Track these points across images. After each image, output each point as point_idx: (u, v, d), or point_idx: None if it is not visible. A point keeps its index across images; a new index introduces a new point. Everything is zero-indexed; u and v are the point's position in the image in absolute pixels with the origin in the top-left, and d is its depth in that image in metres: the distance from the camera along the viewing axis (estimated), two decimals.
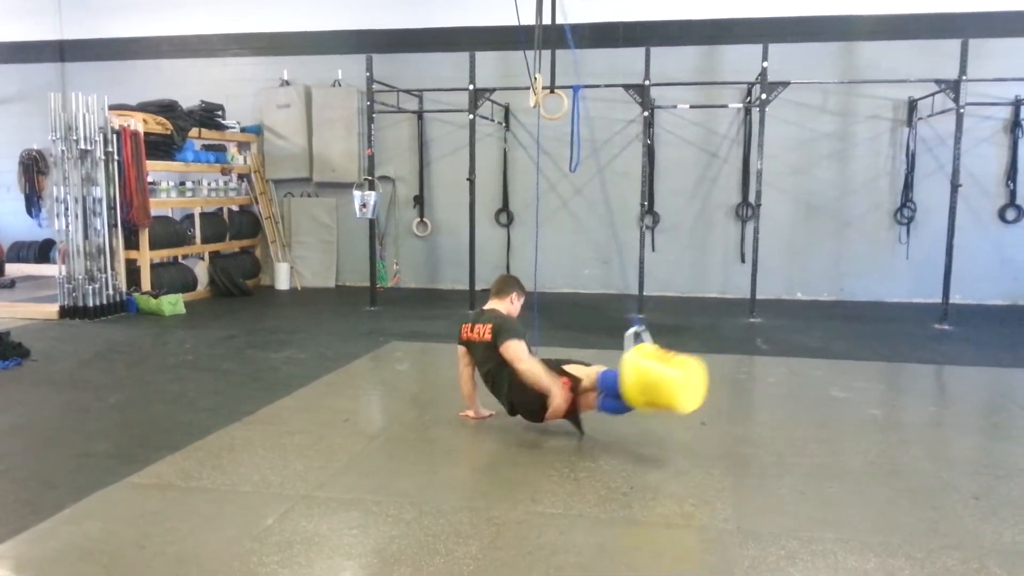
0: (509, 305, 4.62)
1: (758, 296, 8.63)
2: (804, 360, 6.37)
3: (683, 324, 8.09)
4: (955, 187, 7.87)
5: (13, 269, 11.11)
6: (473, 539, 3.11)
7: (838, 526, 3.25)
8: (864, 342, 7.19)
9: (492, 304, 4.62)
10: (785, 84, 8.13)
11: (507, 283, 4.74)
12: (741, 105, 9.40)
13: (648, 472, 3.84)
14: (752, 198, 8.75)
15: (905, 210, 9.40)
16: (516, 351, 4.27)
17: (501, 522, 3.26)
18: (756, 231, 8.43)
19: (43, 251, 11.27)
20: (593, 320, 8.36)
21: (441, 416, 4.78)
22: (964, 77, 7.67)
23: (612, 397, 4.08)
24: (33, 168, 11.36)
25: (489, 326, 4.39)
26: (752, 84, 8.84)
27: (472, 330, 4.50)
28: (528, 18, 7.59)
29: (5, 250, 11.63)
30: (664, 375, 3.86)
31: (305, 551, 3.00)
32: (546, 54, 7.34)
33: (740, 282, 9.14)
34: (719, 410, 4.93)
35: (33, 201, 11.49)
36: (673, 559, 2.95)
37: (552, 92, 6.29)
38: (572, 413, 4.29)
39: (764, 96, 8.11)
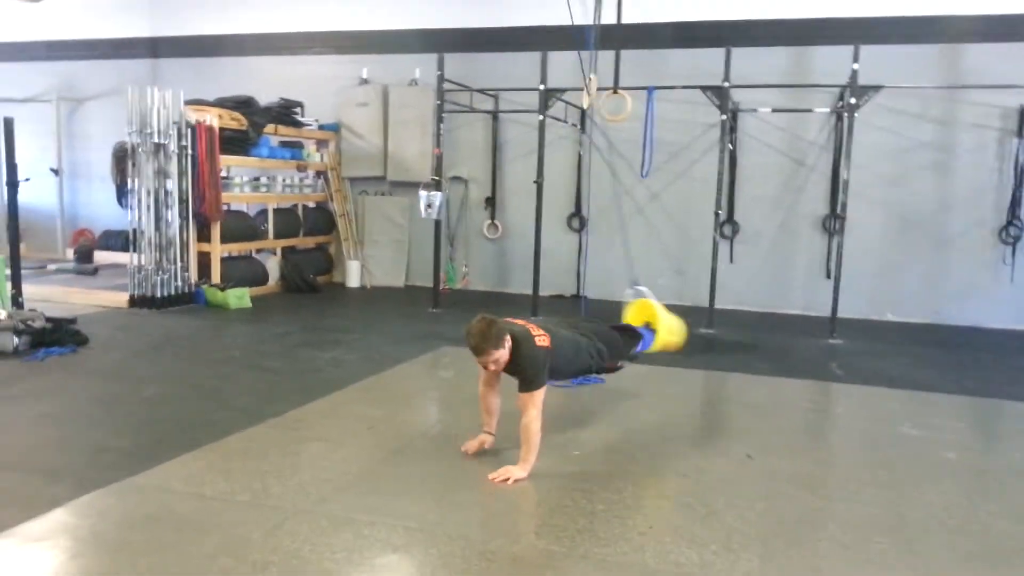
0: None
1: (845, 315, 8.08)
2: (879, 390, 5.81)
3: (753, 341, 7.59)
4: None
5: (102, 256, 11.51)
6: (461, 574, 2.85)
7: None
8: (953, 372, 6.54)
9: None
10: (877, 88, 7.53)
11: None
12: (828, 110, 8.79)
13: (675, 510, 3.49)
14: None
15: (1011, 228, 8.58)
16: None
17: (494, 557, 2.99)
18: (840, 245, 7.87)
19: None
20: None
21: (472, 429, 4.52)
22: None
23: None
24: (125, 160, 11.71)
25: None
26: (843, 88, 8.23)
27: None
28: (606, 18, 7.32)
29: (96, 238, 12.09)
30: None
31: (278, 574, 2.81)
32: (611, 53, 7.04)
33: (824, 299, 8.49)
34: (770, 442, 4.51)
35: (123, 192, 11.84)
36: None
37: (615, 92, 5.95)
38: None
39: (854, 100, 7.54)
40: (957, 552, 3.18)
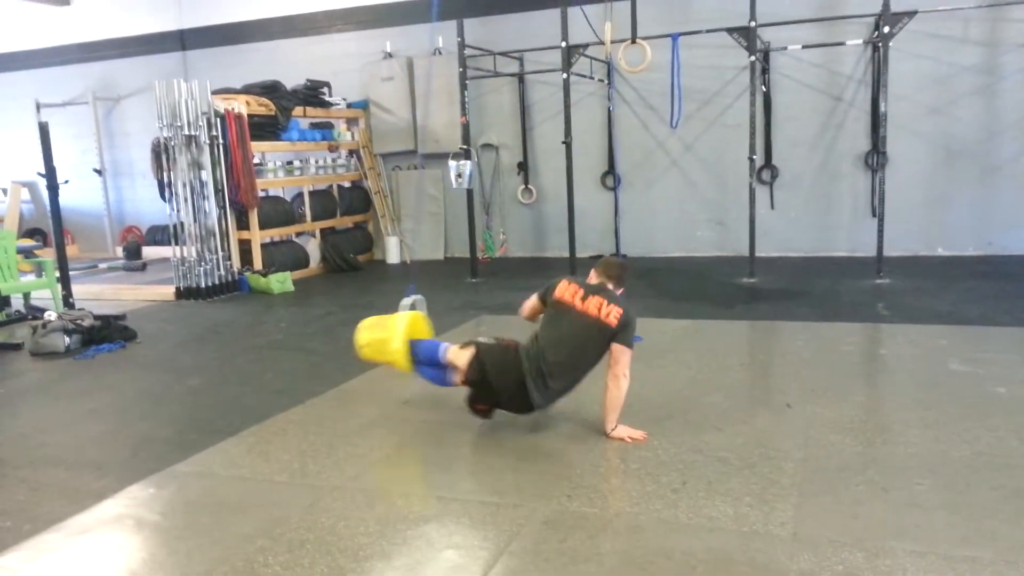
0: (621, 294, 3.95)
1: (893, 254, 7.88)
2: (927, 327, 5.64)
3: (797, 287, 7.42)
4: None
5: (151, 252, 11.78)
6: (490, 541, 2.87)
7: (919, 534, 2.76)
8: (1006, 304, 6.31)
9: (610, 284, 3.90)
10: (911, 14, 7.21)
11: (625, 270, 4.06)
12: (860, 41, 8.44)
13: (709, 464, 3.44)
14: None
15: None
16: (627, 359, 3.76)
17: (526, 522, 2.99)
18: (882, 181, 7.64)
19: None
20: (700, 287, 7.84)
21: None
22: None
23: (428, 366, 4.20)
24: (163, 155, 11.90)
25: (618, 311, 3.71)
26: (876, 17, 7.89)
27: (583, 300, 3.78)
28: None
29: (144, 234, 12.37)
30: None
31: (313, 551, 2.85)
32: (630, 2, 6.86)
33: (870, 239, 8.23)
34: (811, 389, 4.42)
35: (165, 187, 12.06)
36: (705, 572, 2.58)
37: (633, 43, 5.81)
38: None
39: (887, 29, 7.24)
40: (1002, 489, 3.08)
